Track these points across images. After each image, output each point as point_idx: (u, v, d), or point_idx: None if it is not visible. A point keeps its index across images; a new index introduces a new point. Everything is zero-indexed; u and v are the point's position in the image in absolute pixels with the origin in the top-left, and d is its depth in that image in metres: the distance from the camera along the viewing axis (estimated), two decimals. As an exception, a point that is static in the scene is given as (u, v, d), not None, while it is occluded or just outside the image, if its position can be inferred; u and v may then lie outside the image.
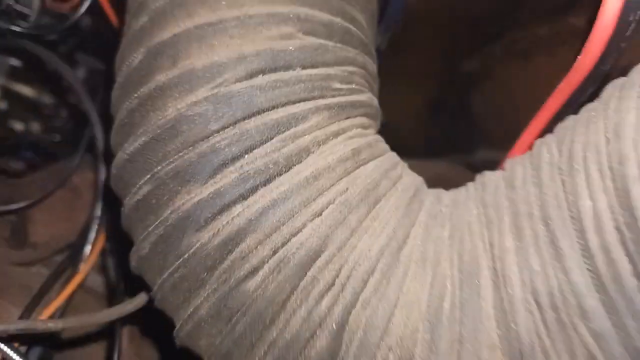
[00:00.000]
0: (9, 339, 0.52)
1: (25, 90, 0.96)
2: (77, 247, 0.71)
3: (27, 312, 0.60)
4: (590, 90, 0.45)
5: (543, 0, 0.98)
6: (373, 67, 0.53)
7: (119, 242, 0.73)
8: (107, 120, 0.51)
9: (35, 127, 0.97)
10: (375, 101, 0.52)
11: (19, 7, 0.81)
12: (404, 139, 1.44)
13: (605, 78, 0.44)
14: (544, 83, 1.06)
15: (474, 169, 0.97)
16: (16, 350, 0.51)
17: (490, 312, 0.38)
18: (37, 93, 0.98)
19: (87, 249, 0.71)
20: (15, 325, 0.48)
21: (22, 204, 0.76)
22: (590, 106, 0.40)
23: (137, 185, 0.43)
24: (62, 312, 0.62)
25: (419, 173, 1.02)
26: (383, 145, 0.49)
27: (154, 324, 0.55)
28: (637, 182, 0.32)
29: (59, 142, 0.94)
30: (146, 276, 0.46)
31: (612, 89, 0.39)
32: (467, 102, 1.34)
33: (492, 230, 0.40)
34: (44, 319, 0.55)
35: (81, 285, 0.69)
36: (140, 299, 0.51)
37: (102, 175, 0.73)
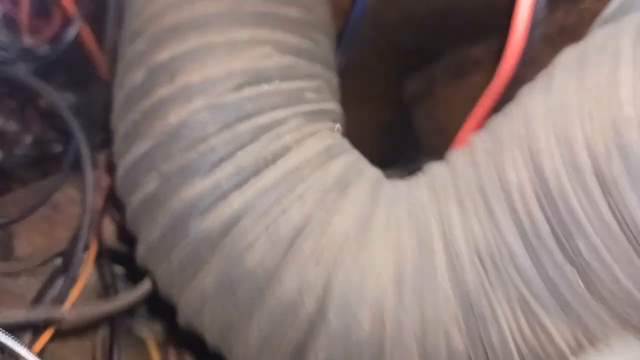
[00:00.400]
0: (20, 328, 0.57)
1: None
2: (69, 254, 0.76)
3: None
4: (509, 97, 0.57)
5: (475, 24, 1.11)
6: (335, 80, 0.62)
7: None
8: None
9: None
10: (339, 109, 0.61)
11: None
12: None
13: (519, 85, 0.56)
14: (478, 98, 1.19)
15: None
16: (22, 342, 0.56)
17: (444, 270, 0.47)
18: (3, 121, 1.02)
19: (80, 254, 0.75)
20: (36, 314, 0.53)
21: (7, 220, 0.81)
22: (510, 106, 0.51)
23: (144, 183, 0.51)
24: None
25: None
26: (348, 144, 0.59)
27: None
28: (547, 156, 0.42)
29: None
30: (152, 264, 0.54)
31: (525, 88, 0.50)
32: (412, 119, 1.46)
33: (440, 205, 0.50)
34: (54, 309, 0.60)
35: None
36: (146, 285, 0.57)
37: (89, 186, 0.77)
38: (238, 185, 0.49)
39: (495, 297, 0.45)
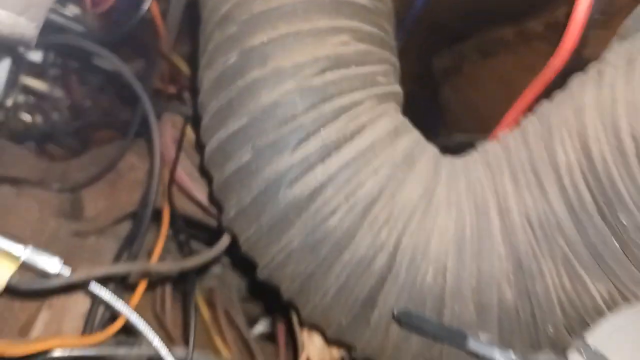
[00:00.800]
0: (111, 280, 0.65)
1: (39, 84, 1.07)
2: (140, 216, 0.84)
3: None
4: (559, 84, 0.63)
5: (504, 6, 1.16)
6: (398, 65, 0.69)
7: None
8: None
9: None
10: (402, 92, 0.68)
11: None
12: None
13: (569, 75, 0.63)
14: (507, 78, 1.26)
15: (449, 150, 1.17)
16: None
17: (498, 234, 0.55)
18: (49, 87, 1.09)
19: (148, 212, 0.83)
20: (134, 266, 0.62)
21: (82, 180, 0.89)
22: (560, 93, 0.58)
23: (239, 155, 0.59)
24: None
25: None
26: (409, 123, 0.66)
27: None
28: (595, 141, 0.50)
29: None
30: (241, 225, 0.62)
31: (575, 81, 0.57)
32: (438, 95, 1.52)
33: (495, 180, 0.58)
34: (156, 263, 0.68)
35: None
36: (225, 242, 0.66)
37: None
38: (322, 159, 0.57)
39: (542, 256, 0.53)
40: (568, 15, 1.14)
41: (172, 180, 0.86)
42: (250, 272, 0.65)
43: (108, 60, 0.89)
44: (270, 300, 0.94)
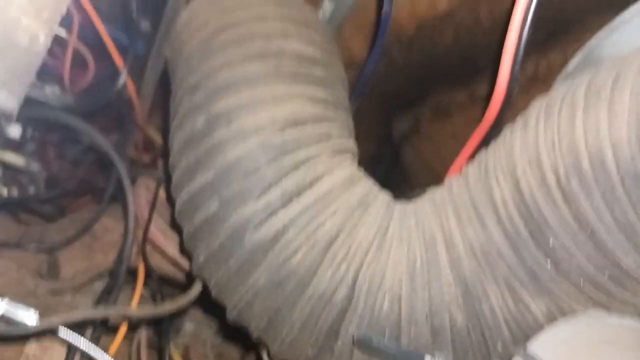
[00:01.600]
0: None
1: (16, 159, 1.12)
2: (116, 271, 0.88)
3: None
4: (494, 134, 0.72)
5: (456, 72, 1.28)
6: (351, 122, 0.77)
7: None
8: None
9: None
10: (355, 145, 0.76)
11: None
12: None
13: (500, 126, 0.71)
14: (460, 135, 1.35)
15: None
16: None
17: (446, 264, 0.61)
18: (26, 162, 1.14)
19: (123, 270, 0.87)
20: (108, 310, 0.65)
21: (58, 242, 0.93)
22: (495, 141, 0.66)
23: (207, 205, 0.64)
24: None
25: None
26: (363, 173, 0.73)
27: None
28: (523, 178, 0.57)
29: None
30: (210, 270, 0.66)
31: (506, 129, 0.65)
32: (401, 157, 1.62)
33: (442, 218, 0.64)
34: (133, 308, 0.72)
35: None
36: (197, 287, 0.70)
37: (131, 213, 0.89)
38: (284, 205, 0.63)
39: (486, 281, 0.59)
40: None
41: (145, 238, 0.90)
42: (225, 325, 0.69)
43: (86, 133, 0.95)
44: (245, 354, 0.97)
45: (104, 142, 0.95)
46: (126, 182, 0.92)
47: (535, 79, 1.16)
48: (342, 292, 0.61)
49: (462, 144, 1.27)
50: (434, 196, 0.69)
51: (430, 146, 1.49)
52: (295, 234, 0.62)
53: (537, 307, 0.56)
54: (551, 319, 0.56)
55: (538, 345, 0.52)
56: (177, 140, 0.71)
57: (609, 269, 0.51)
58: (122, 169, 0.93)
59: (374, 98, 1.48)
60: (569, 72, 0.83)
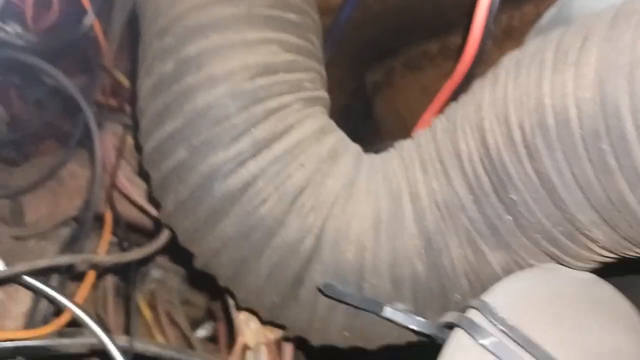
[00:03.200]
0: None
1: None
2: (83, 218, 0.87)
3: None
4: (463, 89, 0.72)
5: (429, 23, 1.27)
6: (324, 74, 0.77)
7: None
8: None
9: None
10: (327, 96, 0.75)
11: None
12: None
13: (471, 79, 0.71)
14: (431, 89, 1.36)
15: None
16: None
17: (410, 216, 0.63)
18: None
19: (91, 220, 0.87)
20: (73, 258, 0.65)
21: (22, 187, 0.91)
22: (464, 95, 0.67)
23: (176, 153, 0.64)
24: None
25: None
26: (334, 124, 0.73)
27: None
28: (490, 132, 0.58)
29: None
30: (178, 218, 0.66)
31: (476, 84, 0.66)
32: (373, 109, 1.62)
33: (408, 171, 0.65)
34: (99, 255, 0.72)
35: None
36: (165, 235, 0.70)
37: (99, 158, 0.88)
38: (253, 155, 0.63)
39: (448, 233, 0.61)
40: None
41: (113, 185, 0.89)
42: (192, 272, 0.70)
43: (50, 74, 0.92)
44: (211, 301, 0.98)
45: (70, 85, 0.92)
46: (93, 128, 0.90)
47: (508, 32, 1.16)
48: (308, 242, 0.62)
49: (433, 98, 1.27)
50: (401, 149, 0.70)
51: (402, 99, 1.49)
52: (264, 184, 0.62)
53: (496, 259, 0.58)
54: (508, 271, 0.58)
55: (494, 296, 0.55)
56: (145, 85, 0.69)
57: (565, 225, 0.53)
58: (88, 113, 0.91)
59: (347, 48, 1.46)
60: (541, 26, 0.83)
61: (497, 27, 1.17)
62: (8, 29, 0.97)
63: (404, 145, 0.70)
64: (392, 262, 0.62)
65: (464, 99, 0.66)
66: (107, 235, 0.78)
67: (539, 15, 1.10)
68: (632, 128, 0.45)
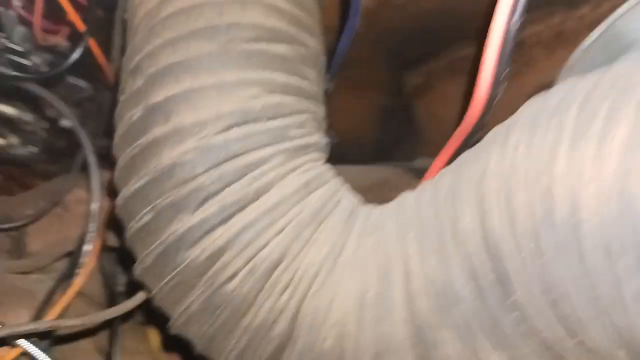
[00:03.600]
0: (24, 337, 0.64)
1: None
2: (75, 256, 0.83)
3: (38, 314, 0.72)
4: (478, 135, 0.61)
5: (467, 25, 1.13)
6: (321, 111, 0.67)
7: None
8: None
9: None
10: (324, 139, 0.66)
11: (12, 45, 0.92)
12: (356, 145, 1.60)
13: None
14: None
15: (416, 173, 1.15)
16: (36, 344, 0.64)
17: (400, 300, 0.53)
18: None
19: (84, 258, 0.83)
20: (38, 325, 0.60)
21: (23, 221, 0.88)
22: (475, 148, 0.56)
23: (140, 215, 0.57)
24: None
25: (367, 178, 1.18)
26: (330, 173, 0.64)
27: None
28: (494, 215, 0.47)
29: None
30: (147, 282, 0.60)
31: (488, 135, 0.54)
32: (413, 112, 1.50)
33: (402, 241, 0.55)
34: (60, 319, 0.67)
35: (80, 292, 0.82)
36: (140, 297, 0.64)
37: (96, 193, 0.85)
38: (223, 221, 0.55)
39: (443, 324, 0.51)
40: (535, 34, 1.11)
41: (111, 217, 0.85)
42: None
43: (52, 105, 0.88)
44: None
45: (71, 117, 0.88)
46: (90, 158, 0.85)
47: (561, 36, 1.02)
48: (281, 326, 0.54)
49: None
50: (401, 207, 0.60)
51: (443, 103, 1.37)
52: (232, 256, 0.54)
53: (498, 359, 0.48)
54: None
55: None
56: (117, 130, 0.63)
57: (572, 342, 0.42)
58: (86, 142, 0.86)
59: (383, 49, 1.35)
60: (584, 48, 0.69)
61: (546, 29, 1.03)
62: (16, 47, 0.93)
63: (406, 203, 0.60)
64: (377, 351, 0.53)
65: (472, 155, 0.55)
66: (78, 282, 0.73)
67: (597, 19, 0.95)
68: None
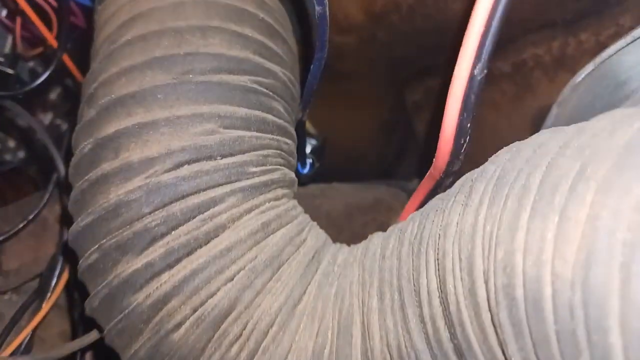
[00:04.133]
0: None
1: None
2: (45, 278, 0.81)
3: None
4: (450, 180, 0.57)
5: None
6: (289, 144, 0.63)
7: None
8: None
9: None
10: (290, 174, 0.62)
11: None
12: (359, 160, 1.56)
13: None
14: (478, 114, 1.18)
15: (410, 194, 1.10)
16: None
17: (358, 357, 0.49)
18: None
19: (54, 280, 0.81)
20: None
21: (5, 233, 0.86)
22: (439, 197, 0.52)
23: (88, 252, 0.54)
24: (29, 341, 0.72)
25: (361, 196, 1.14)
26: (294, 212, 0.60)
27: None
28: (450, 275, 0.43)
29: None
30: (98, 321, 0.57)
31: (450, 192, 0.50)
32: (414, 127, 1.46)
33: (365, 291, 0.52)
34: (11, 356, 0.65)
35: (53, 305, 0.79)
36: (93, 336, 0.61)
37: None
38: (169, 266, 0.51)
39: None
40: (535, 57, 1.06)
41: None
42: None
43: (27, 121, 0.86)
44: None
45: (41, 131, 0.85)
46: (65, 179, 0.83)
47: (562, 61, 0.97)
48: (228, 383, 0.51)
49: (475, 125, 1.11)
50: (366, 255, 0.56)
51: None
52: (179, 303, 0.51)
53: None
54: None
55: None
56: (73, 158, 0.59)
57: None
58: (59, 162, 0.84)
59: (381, 67, 1.32)
60: (573, 85, 0.65)
61: (545, 54, 0.98)
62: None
63: (372, 247, 0.56)
64: (331, 414, 0.49)
65: (437, 205, 0.51)
66: (45, 309, 0.71)
67: (598, 46, 0.91)
68: (620, 355, 0.29)
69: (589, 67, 0.62)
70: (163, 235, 0.51)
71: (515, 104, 1.10)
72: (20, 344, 0.70)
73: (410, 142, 1.54)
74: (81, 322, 0.80)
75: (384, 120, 1.54)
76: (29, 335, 0.73)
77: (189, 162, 0.53)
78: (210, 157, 0.54)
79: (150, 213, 0.52)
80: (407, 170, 1.56)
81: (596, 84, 0.62)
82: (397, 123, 1.52)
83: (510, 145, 0.49)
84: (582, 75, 0.64)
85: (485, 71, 0.47)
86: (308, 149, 1.07)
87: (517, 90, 1.09)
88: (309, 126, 1.35)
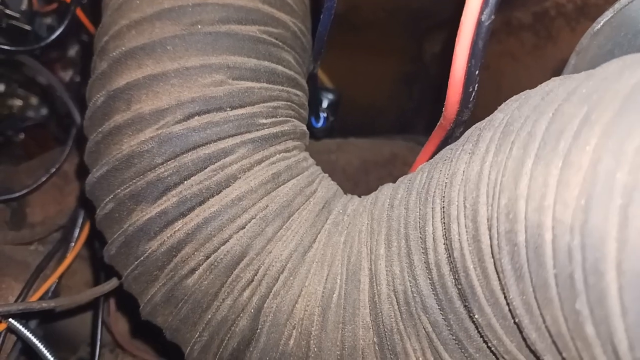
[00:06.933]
0: (10, 316, 0.65)
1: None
2: (67, 229, 0.84)
3: (27, 289, 0.73)
4: (459, 130, 0.56)
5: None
6: (299, 96, 0.63)
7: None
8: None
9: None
10: (301, 126, 0.63)
11: (8, 11, 0.90)
12: (377, 113, 1.55)
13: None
14: (493, 67, 1.16)
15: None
16: (26, 326, 0.65)
17: (366, 302, 0.51)
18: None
19: (77, 231, 0.83)
20: (17, 306, 0.61)
21: (23, 192, 0.89)
22: (448, 147, 0.52)
23: (104, 202, 0.56)
24: (55, 287, 0.75)
25: (377, 151, 1.14)
26: (305, 164, 0.61)
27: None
28: (455, 222, 0.43)
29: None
30: (116, 268, 0.59)
31: (465, 135, 0.50)
32: (432, 76, 1.44)
33: (373, 239, 0.53)
34: (39, 300, 0.68)
35: (76, 255, 0.82)
36: (113, 282, 0.64)
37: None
38: (183, 214, 0.53)
39: (405, 332, 0.49)
40: (557, 6, 1.03)
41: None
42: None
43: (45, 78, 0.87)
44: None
45: (61, 88, 0.87)
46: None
47: (584, 8, 0.94)
48: (244, 322, 0.53)
49: (496, 76, 1.09)
50: (375, 204, 0.56)
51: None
52: (192, 250, 0.53)
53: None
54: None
55: None
56: (87, 111, 0.60)
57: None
58: (77, 117, 0.85)
59: (402, 17, 1.29)
60: (592, 33, 0.63)
61: (568, 2, 0.95)
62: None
63: (381, 197, 0.57)
64: (341, 354, 0.51)
65: (445, 155, 0.51)
66: (69, 259, 0.73)
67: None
68: (616, 296, 0.30)
69: (607, 14, 0.60)
70: (175, 184, 0.53)
71: (536, 55, 1.07)
72: (47, 291, 0.73)
73: (428, 96, 1.52)
74: (103, 271, 0.83)
75: (404, 72, 1.52)
76: (55, 283, 0.76)
77: (199, 114, 0.54)
78: (219, 109, 0.54)
79: (162, 163, 0.53)
80: (426, 125, 1.55)
81: (615, 32, 0.60)
82: (416, 75, 1.50)
83: (520, 93, 0.48)
84: (601, 23, 0.62)
85: (493, 17, 0.46)
86: (325, 104, 1.06)
87: (537, 41, 1.06)
88: (325, 80, 1.34)
